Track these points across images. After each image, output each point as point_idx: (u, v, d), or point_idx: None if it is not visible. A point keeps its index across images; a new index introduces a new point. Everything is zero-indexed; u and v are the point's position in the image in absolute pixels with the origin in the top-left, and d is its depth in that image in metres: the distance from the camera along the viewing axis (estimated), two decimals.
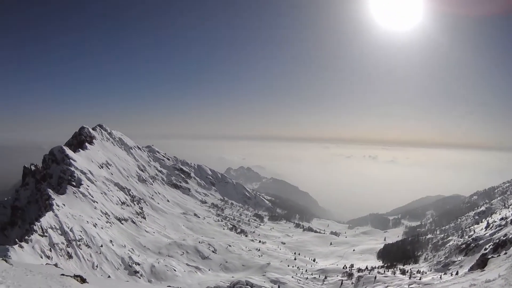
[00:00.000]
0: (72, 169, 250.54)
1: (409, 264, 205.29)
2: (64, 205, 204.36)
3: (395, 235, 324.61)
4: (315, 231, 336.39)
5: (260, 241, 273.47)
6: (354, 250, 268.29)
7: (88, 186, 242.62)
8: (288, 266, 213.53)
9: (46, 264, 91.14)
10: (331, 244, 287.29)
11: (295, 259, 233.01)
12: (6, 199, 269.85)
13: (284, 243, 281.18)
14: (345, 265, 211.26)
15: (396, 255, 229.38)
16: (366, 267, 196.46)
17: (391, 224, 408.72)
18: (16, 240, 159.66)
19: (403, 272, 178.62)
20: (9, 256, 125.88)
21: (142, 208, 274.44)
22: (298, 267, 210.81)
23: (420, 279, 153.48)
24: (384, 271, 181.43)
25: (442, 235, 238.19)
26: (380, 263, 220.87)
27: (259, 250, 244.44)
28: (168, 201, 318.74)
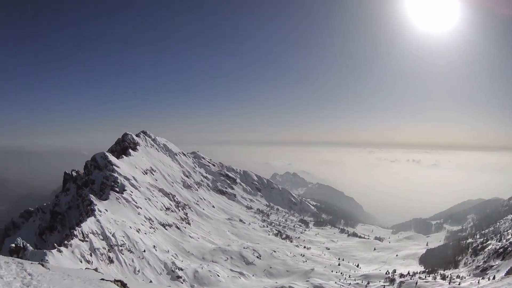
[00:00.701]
0: (116, 175, 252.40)
1: (450, 269, 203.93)
2: (106, 210, 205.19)
3: (437, 240, 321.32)
4: (360, 237, 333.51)
5: (305, 247, 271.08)
6: (397, 255, 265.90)
7: (132, 192, 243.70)
8: (332, 271, 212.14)
9: (86, 268, 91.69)
10: (374, 249, 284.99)
11: (339, 264, 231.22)
12: (45, 204, 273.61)
13: (329, 249, 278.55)
14: (387, 271, 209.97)
15: (437, 260, 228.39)
16: (408, 273, 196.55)
17: (434, 229, 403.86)
18: (55, 244, 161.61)
19: (443, 277, 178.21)
20: (47, 260, 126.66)
21: (187, 214, 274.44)
22: (341, 273, 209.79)
23: (459, 284, 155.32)
24: (425, 277, 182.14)
25: (482, 239, 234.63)
26: (422, 268, 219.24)
27: (303, 255, 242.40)
28: (213, 206, 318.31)
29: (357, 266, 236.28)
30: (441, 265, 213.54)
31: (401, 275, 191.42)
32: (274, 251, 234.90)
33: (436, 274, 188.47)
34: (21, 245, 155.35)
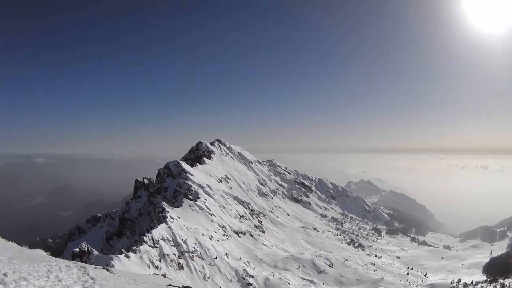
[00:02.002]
0: (189, 183, 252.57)
1: (509, 278, 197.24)
2: (179, 217, 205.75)
3: (500, 248, 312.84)
4: (429, 245, 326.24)
5: (376, 255, 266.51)
6: (463, 264, 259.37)
7: (206, 200, 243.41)
8: (401, 281, 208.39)
9: (154, 274, 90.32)
10: (442, 258, 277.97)
11: (407, 273, 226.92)
12: (114, 210, 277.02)
13: (399, 258, 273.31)
14: (452, 280, 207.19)
15: (499, 269, 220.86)
16: (471, 282, 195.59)
17: (498, 237, 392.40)
18: (122, 250, 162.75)
19: (502, 286, 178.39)
20: (112, 265, 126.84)
21: (261, 221, 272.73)
22: (409, 282, 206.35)
23: None
24: (486, 286, 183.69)
25: None
26: (484, 278, 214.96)
27: (374, 264, 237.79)
28: (288, 214, 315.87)
29: (425, 275, 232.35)
30: (502, 274, 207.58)
31: (465, 285, 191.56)
32: (346, 260, 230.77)
33: (496, 283, 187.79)
34: (86, 249, 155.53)
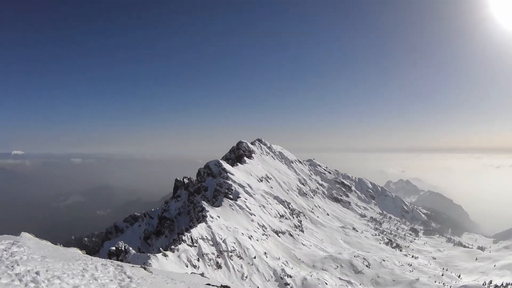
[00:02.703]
0: (230, 182, 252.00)
1: None
2: (218, 217, 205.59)
3: None
4: (464, 246, 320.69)
5: (412, 256, 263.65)
6: (495, 265, 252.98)
7: (246, 199, 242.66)
8: (435, 282, 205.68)
9: (192, 273, 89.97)
10: (476, 259, 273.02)
11: (442, 275, 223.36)
12: (153, 209, 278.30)
13: (435, 258, 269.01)
14: (484, 282, 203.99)
15: None
16: (502, 284, 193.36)
17: None
18: (160, 249, 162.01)
19: None
20: (149, 264, 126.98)
21: (301, 221, 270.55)
22: (444, 283, 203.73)
23: None
24: None
25: None
26: None
27: (410, 265, 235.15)
28: (327, 214, 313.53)
29: (459, 276, 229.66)
30: None
31: (496, 287, 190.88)
32: (384, 260, 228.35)
33: None
34: (123, 248, 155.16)
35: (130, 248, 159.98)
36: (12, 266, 26.63)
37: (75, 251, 50.25)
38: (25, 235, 53.77)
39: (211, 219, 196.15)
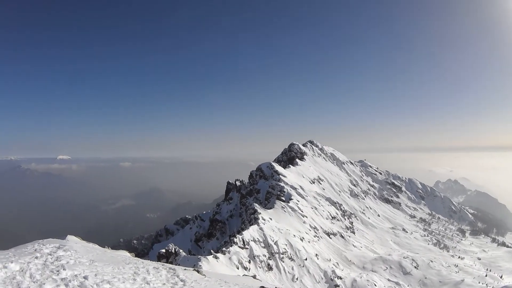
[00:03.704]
0: (282, 184, 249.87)
1: None
2: (270, 219, 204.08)
3: None
4: (507, 246, 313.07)
5: (459, 257, 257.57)
6: None
7: (298, 201, 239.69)
8: (479, 283, 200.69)
9: (244, 275, 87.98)
10: None
11: (486, 275, 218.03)
12: (204, 212, 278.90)
13: (480, 259, 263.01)
14: None
15: None
16: None
17: None
18: (211, 251, 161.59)
19: None
20: (200, 266, 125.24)
21: (352, 222, 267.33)
22: (487, 284, 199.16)
23: None
24: None
25: None
26: None
27: (457, 266, 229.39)
28: (378, 215, 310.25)
29: (501, 277, 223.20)
30: None
31: None
32: (431, 261, 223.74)
33: None
34: (173, 250, 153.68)
35: (181, 251, 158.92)
36: (58, 271, 26.10)
37: (124, 254, 50.06)
38: (71, 238, 52.84)
39: (263, 221, 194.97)
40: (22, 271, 25.07)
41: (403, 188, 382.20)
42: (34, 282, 23.31)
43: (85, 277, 25.63)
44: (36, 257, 29.39)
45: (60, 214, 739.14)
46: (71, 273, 26.16)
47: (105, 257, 36.49)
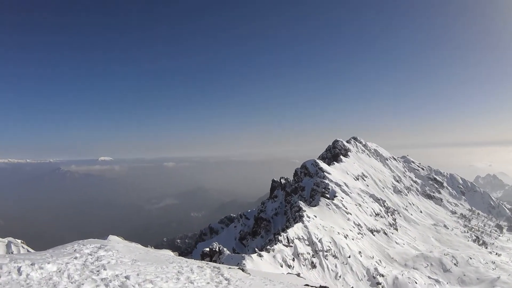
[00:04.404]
0: (326, 181, 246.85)
1: None
2: (315, 216, 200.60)
3: None
4: None
5: (496, 253, 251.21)
6: None
7: (343, 198, 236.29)
8: None
9: (288, 273, 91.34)
10: None
11: None
12: (249, 210, 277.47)
13: None
14: None
15: None
16: None
17: None
18: (256, 249, 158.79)
19: None
20: (244, 264, 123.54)
21: (395, 219, 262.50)
22: None
23: None
24: None
25: None
26: None
27: (494, 262, 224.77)
28: (420, 212, 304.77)
29: None
30: None
31: None
32: (470, 258, 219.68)
33: None
34: (217, 249, 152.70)
35: (225, 249, 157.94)
36: (98, 271, 25.94)
37: (168, 253, 50.34)
38: (113, 238, 52.44)
39: (307, 218, 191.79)
40: (59, 271, 24.50)
41: (445, 184, 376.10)
42: (72, 283, 22.77)
43: (127, 277, 25.30)
44: (75, 258, 29.09)
45: (102, 215, 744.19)
46: (112, 273, 25.82)
47: (148, 256, 36.00)
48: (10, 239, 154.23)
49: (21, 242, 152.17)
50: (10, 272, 22.61)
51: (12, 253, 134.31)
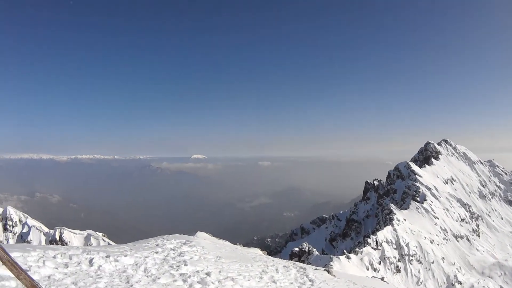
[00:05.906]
0: (417, 184, 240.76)
1: None
2: (405, 220, 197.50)
3: None
4: None
5: None
6: None
7: (432, 202, 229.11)
8: None
9: (372, 277, 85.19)
10: None
11: None
12: (342, 212, 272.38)
13: None
14: None
15: None
16: None
17: None
18: (344, 251, 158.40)
19: None
20: (331, 265, 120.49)
21: (478, 225, 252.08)
22: None
23: None
24: None
25: None
26: None
27: None
28: (501, 218, 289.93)
29: None
30: None
31: None
32: None
33: None
34: (306, 249, 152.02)
35: (314, 250, 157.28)
36: (178, 266, 24.84)
37: (256, 252, 49.36)
38: (201, 234, 51.71)
39: (397, 222, 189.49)
40: (135, 265, 23.56)
41: None
42: (147, 277, 21.61)
43: (208, 273, 24.00)
44: (156, 252, 28.13)
45: (193, 212, 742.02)
46: (193, 269, 24.66)
47: (234, 254, 35.01)
48: (90, 231, 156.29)
49: (102, 235, 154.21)
50: (79, 263, 21.53)
51: (90, 245, 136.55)
